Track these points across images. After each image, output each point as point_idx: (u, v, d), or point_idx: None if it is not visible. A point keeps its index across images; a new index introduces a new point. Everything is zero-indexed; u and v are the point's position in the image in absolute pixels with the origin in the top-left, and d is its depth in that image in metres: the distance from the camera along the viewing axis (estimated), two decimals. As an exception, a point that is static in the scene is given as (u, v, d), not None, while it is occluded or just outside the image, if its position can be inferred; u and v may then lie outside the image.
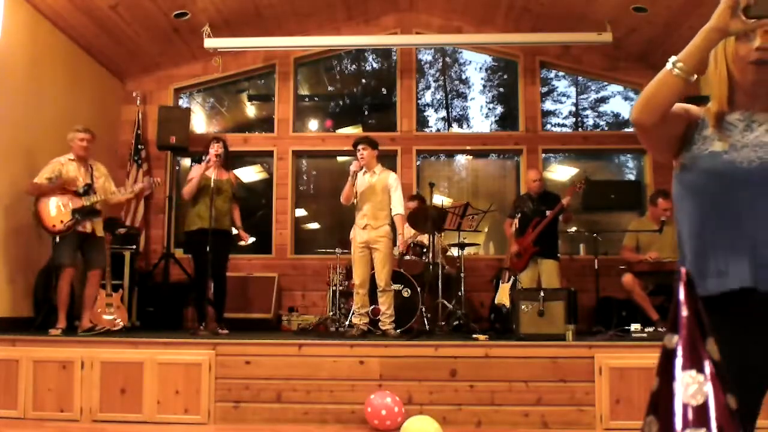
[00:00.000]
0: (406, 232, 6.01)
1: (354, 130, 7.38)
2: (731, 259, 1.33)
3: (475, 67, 7.59)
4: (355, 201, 5.01)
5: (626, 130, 7.17)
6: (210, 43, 6.26)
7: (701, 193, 1.41)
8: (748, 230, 1.33)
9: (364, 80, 7.73)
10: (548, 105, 7.38)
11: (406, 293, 5.48)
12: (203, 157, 5.06)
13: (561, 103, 7.45)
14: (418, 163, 7.08)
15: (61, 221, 4.63)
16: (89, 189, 4.78)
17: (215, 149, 4.99)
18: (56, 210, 4.64)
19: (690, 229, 1.43)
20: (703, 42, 1.32)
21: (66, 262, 4.66)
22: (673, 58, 1.35)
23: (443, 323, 5.44)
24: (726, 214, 1.36)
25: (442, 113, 7.68)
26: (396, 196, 4.96)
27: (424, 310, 5.36)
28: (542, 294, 4.37)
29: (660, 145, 1.49)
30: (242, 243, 5.37)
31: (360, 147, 4.93)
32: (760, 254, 1.31)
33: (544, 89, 7.26)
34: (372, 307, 5.10)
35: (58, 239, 4.64)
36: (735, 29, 1.29)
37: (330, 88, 7.69)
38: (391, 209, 4.99)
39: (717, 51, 1.43)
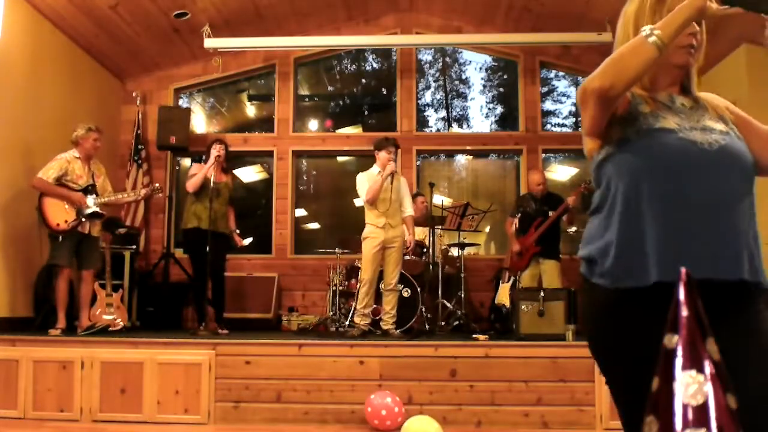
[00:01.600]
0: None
1: (354, 130, 7.38)
2: (688, 247, 1.25)
3: (475, 67, 7.59)
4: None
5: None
6: (210, 43, 6.26)
7: (645, 171, 1.31)
8: (705, 216, 1.26)
9: (364, 80, 7.73)
10: (548, 105, 7.38)
11: (406, 293, 5.47)
12: (202, 157, 5.07)
13: (561, 103, 7.46)
14: (418, 163, 7.08)
15: (65, 221, 4.63)
16: (92, 189, 4.78)
17: (217, 150, 5.00)
18: (61, 209, 4.64)
19: (629, 213, 1.32)
20: (680, 18, 1.27)
21: (63, 262, 4.64)
22: (648, 27, 1.29)
23: (443, 323, 5.44)
24: (679, 197, 1.28)
25: (442, 113, 7.68)
26: (408, 199, 5.16)
27: (424, 310, 5.36)
28: (542, 294, 4.38)
29: (603, 120, 1.38)
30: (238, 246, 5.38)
31: (392, 149, 4.98)
32: (720, 241, 1.25)
33: (544, 89, 7.26)
34: (373, 307, 5.10)
35: (60, 239, 4.63)
36: (711, 13, 1.26)
37: (330, 88, 7.69)
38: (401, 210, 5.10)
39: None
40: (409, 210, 5.13)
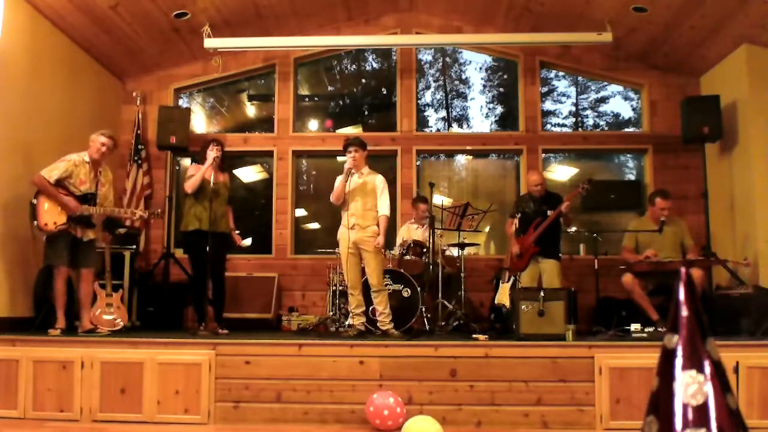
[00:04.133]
0: (408, 235, 6.02)
1: (354, 130, 7.38)
2: None
3: (475, 67, 7.59)
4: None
5: (626, 130, 7.18)
6: (210, 43, 6.26)
7: None
8: None
9: (364, 80, 7.73)
10: (548, 105, 7.38)
11: (406, 293, 5.48)
12: (196, 157, 5.05)
13: (561, 103, 7.46)
14: (418, 163, 7.08)
15: (54, 222, 4.56)
16: (92, 198, 4.73)
17: (214, 152, 5.00)
18: (54, 210, 4.59)
19: None
20: None
21: (58, 261, 4.60)
22: None
23: (443, 323, 5.44)
24: None
25: (442, 113, 7.68)
26: (383, 198, 4.97)
27: (424, 310, 5.36)
28: (542, 294, 4.37)
29: None
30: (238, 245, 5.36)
31: (351, 149, 4.95)
32: None
33: (544, 89, 7.26)
34: (372, 307, 5.09)
35: (51, 238, 4.59)
36: None
37: (330, 88, 7.69)
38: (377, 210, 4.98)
39: None
40: (382, 210, 4.93)
